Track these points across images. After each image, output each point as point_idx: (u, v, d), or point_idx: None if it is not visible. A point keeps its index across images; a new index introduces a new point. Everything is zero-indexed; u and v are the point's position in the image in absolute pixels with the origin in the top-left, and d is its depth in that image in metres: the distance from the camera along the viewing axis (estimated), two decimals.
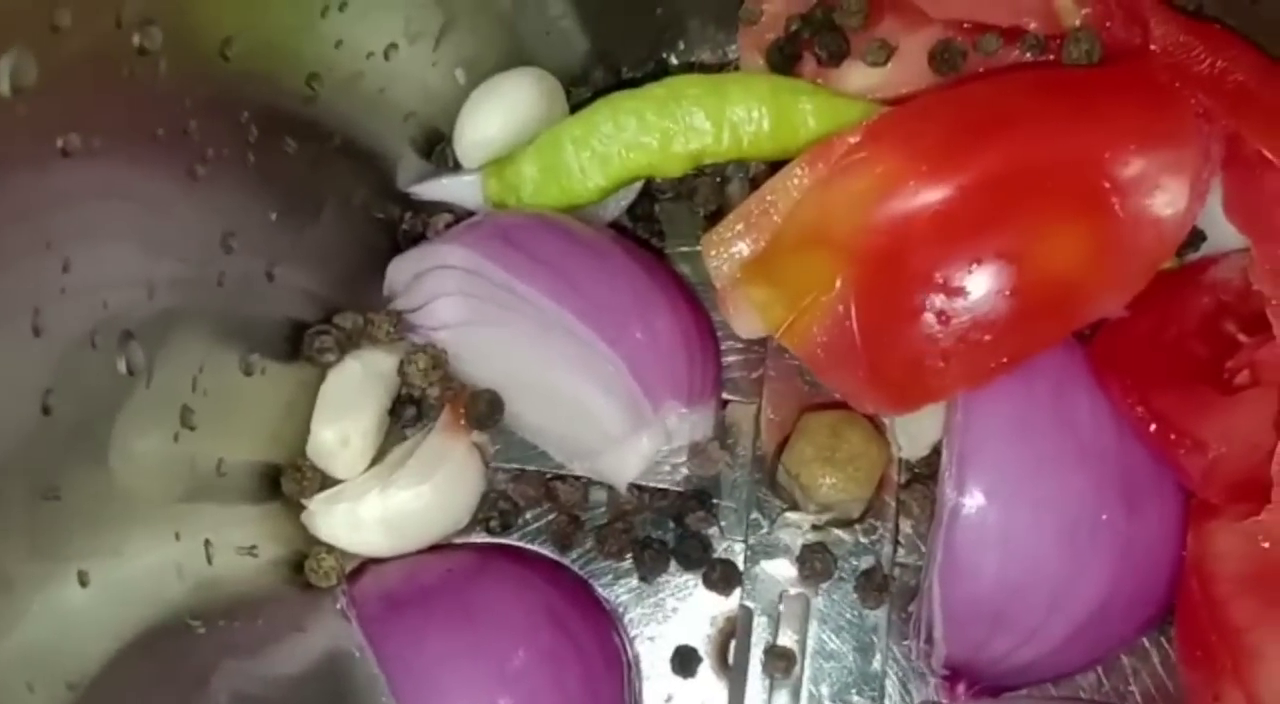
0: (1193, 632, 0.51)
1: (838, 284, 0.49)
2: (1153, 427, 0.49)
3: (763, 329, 0.53)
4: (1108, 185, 0.48)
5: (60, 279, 0.38)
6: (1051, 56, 0.55)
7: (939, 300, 0.48)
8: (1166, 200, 0.49)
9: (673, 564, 0.58)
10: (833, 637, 0.56)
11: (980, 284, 0.48)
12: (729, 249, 0.53)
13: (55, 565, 0.38)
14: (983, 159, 0.49)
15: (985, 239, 0.48)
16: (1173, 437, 0.48)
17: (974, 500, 0.50)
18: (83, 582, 0.39)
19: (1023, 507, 0.50)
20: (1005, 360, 0.49)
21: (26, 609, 0.36)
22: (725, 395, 0.58)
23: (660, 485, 0.57)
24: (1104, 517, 0.50)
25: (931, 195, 0.49)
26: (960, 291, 0.48)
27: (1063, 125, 0.50)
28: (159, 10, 0.40)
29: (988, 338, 0.48)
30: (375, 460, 0.57)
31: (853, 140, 0.51)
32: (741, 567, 0.57)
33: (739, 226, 0.53)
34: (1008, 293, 0.48)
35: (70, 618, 0.38)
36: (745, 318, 0.53)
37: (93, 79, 0.39)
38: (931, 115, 0.51)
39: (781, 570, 0.56)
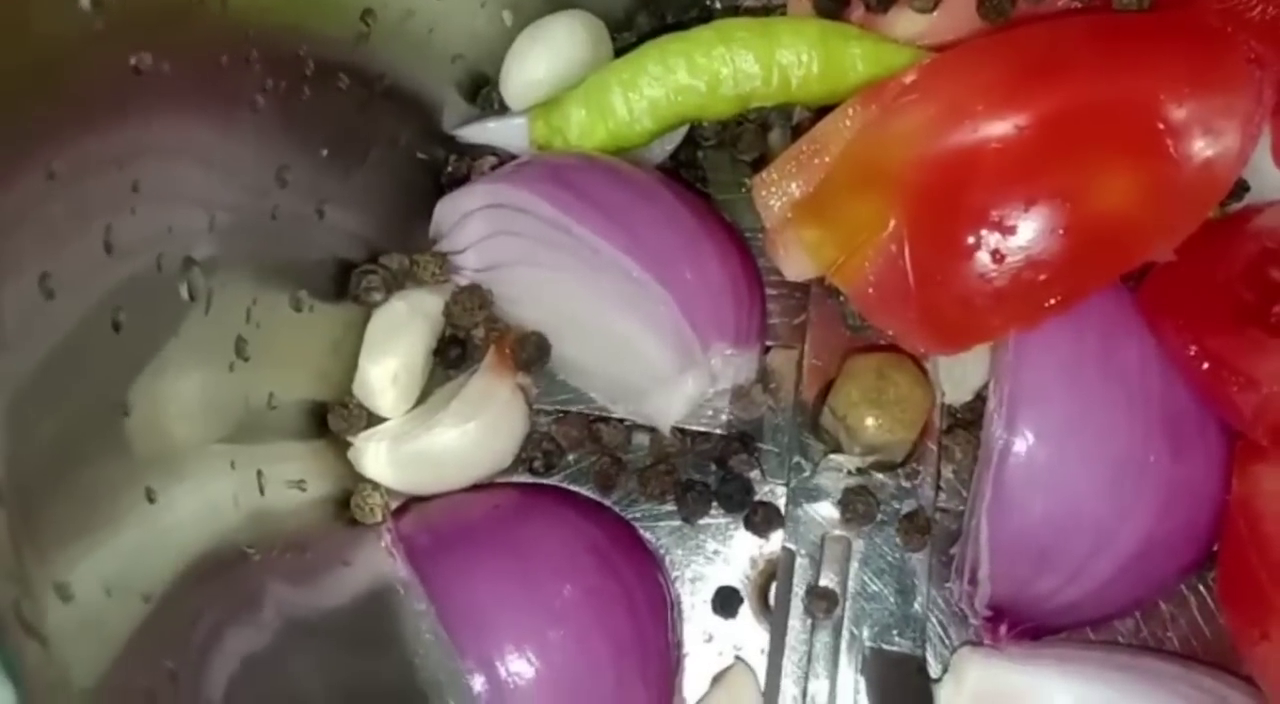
0: (1238, 572, 0.51)
1: (891, 223, 0.50)
2: (1205, 365, 0.49)
3: (813, 269, 0.53)
4: (1161, 127, 0.49)
5: (130, 198, 0.38)
6: (1099, 2, 0.55)
7: (993, 239, 0.49)
8: (1218, 143, 0.49)
9: (714, 506, 0.58)
10: (874, 579, 0.56)
11: (1035, 223, 0.48)
12: (780, 189, 0.53)
13: (126, 479, 0.38)
14: (1038, 99, 0.49)
15: (1040, 178, 0.48)
16: (1226, 375, 0.49)
17: (1024, 440, 0.50)
18: (150, 498, 0.39)
19: (1071, 447, 0.50)
20: (1058, 300, 0.49)
21: (103, 517, 0.36)
22: (768, 341, 0.59)
23: (703, 429, 0.58)
24: (1151, 458, 0.50)
25: (986, 134, 0.49)
26: (1014, 230, 0.48)
27: (1117, 68, 0.50)
28: None
29: (1041, 277, 0.49)
30: (420, 400, 0.57)
31: (907, 80, 0.51)
32: (783, 509, 0.57)
33: (790, 167, 0.53)
34: (1061, 232, 0.48)
35: (142, 532, 0.38)
36: (796, 258, 0.53)
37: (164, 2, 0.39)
38: (987, 57, 0.51)
39: (824, 513, 0.57)
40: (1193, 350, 0.50)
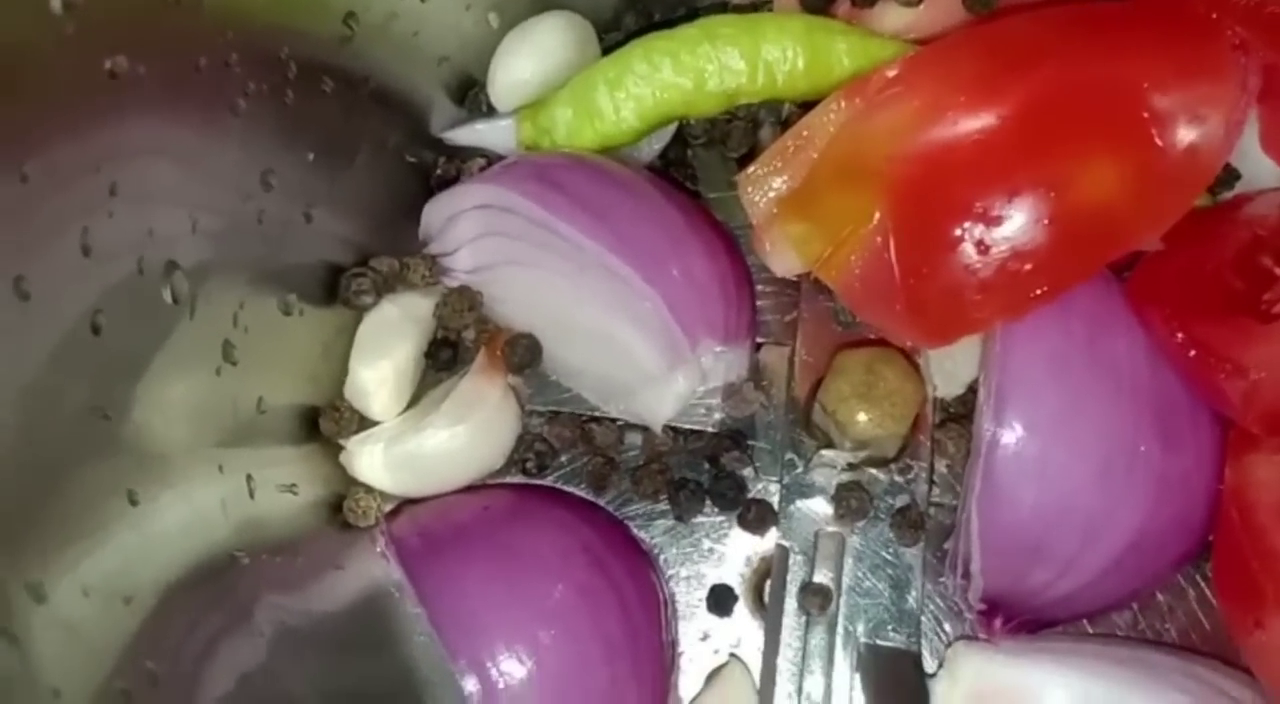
0: (1232, 562, 0.51)
1: (876, 216, 0.49)
2: (1193, 353, 0.49)
3: (800, 265, 0.53)
4: (1145, 115, 0.48)
5: (108, 202, 0.38)
6: None
7: (978, 230, 0.48)
8: (1203, 131, 0.49)
9: (708, 504, 0.58)
10: (868, 574, 0.56)
11: (1019, 213, 0.48)
12: (766, 185, 0.53)
13: (106, 482, 0.38)
14: (1021, 89, 0.49)
15: (1024, 168, 0.48)
16: (1213, 362, 0.48)
17: (1012, 432, 0.50)
18: (132, 500, 0.39)
19: (1060, 439, 0.50)
20: (1044, 291, 0.49)
21: (80, 519, 0.36)
22: (759, 338, 0.59)
23: (695, 427, 0.57)
24: (1141, 448, 0.50)
25: (970, 125, 0.49)
26: (999, 221, 0.48)
27: (1101, 57, 0.49)
28: None
29: (1027, 268, 0.48)
30: (412, 402, 0.57)
31: (890, 74, 0.51)
32: (777, 506, 0.57)
33: (775, 163, 0.53)
34: (1046, 222, 0.48)
35: (123, 535, 0.38)
36: (782, 254, 0.53)
37: (140, 5, 0.39)
38: (969, 49, 0.51)
39: (817, 509, 0.56)
40: (1180, 338, 0.49)
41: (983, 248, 0.49)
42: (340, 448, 0.55)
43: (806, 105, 0.57)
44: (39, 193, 0.35)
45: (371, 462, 0.55)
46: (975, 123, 0.48)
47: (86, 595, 0.35)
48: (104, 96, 0.38)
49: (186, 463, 0.45)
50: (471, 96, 0.61)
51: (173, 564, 0.42)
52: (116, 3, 0.37)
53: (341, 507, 0.55)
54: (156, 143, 0.41)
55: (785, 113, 0.59)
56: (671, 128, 0.60)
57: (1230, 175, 0.56)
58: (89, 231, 0.37)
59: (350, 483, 0.56)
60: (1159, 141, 0.48)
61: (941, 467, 0.57)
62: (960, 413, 0.57)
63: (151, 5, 0.39)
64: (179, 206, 0.43)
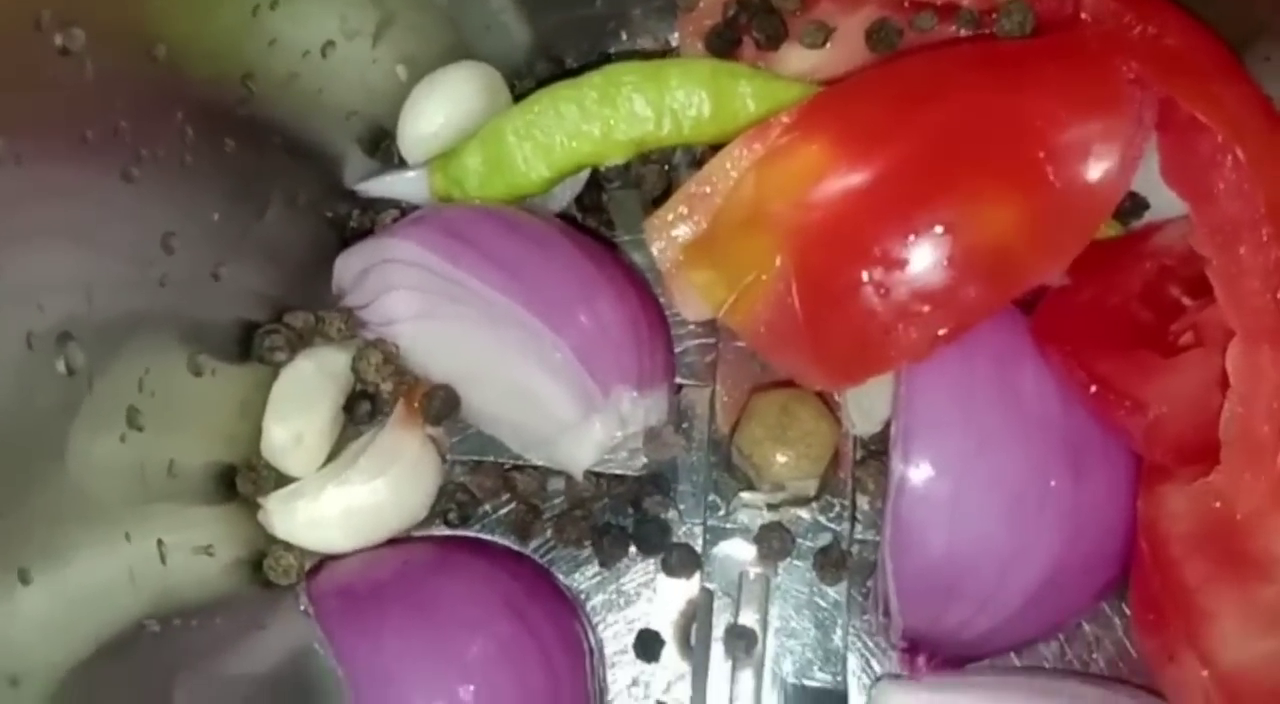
0: (1146, 595, 0.51)
1: (777, 262, 0.50)
2: (1094, 389, 0.49)
3: (707, 311, 0.53)
4: (1042, 155, 0.49)
5: None
6: (987, 31, 0.55)
7: (877, 273, 0.48)
8: (1100, 167, 0.49)
9: (632, 549, 0.58)
10: (794, 615, 0.56)
11: (917, 256, 0.48)
12: (671, 232, 0.53)
13: None
14: (914, 133, 0.49)
15: (920, 211, 0.48)
16: (1113, 398, 0.49)
17: (920, 472, 0.50)
18: (24, 579, 0.39)
19: (969, 477, 0.50)
20: (946, 331, 0.49)
21: None
22: (680, 379, 0.59)
23: (617, 471, 0.57)
24: (1051, 483, 0.50)
25: (864, 171, 0.49)
26: (898, 264, 0.48)
27: (996, 96, 0.50)
28: (79, 11, 0.40)
29: (927, 308, 0.48)
30: (331, 457, 0.57)
31: (786, 120, 0.51)
32: (700, 549, 0.57)
33: (681, 209, 0.53)
34: (945, 263, 0.48)
35: (12, 615, 0.38)
36: (690, 300, 0.53)
37: (15, 81, 0.39)
38: (863, 93, 0.51)
39: (740, 551, 0.57)
40: (1079, 374, 0.49)
41: (884, 290, 0.49)
42: (258, 506, 0.55)
43: (719, 149, 0.57)
44: None
45: (291, 519, 0.55)
46: (869, 169, 0.49)
47: None
48: None
49: (88, 535, 0.44)
50: (383, 148, 0.61)
51: (74, 639, 0.42)
52: None
53: (261, 565, 0.55)
54: (43, 219, 0.41)
55: (699, 154, 0.59)
56: (585, 174, 0.60)
57: (1138, 204, 0.56)
58: None
59: (270, 541, 0.55)
60: (1054, 179, 0.48)
61: (864, 504, 0.57)
62: (879, 449, 0.57)
63: (27, 82, 0.39)
64: (71, 279, 0.43)
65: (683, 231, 0.53)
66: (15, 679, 0.37)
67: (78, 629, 0.42)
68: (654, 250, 0.54)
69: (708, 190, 0.53)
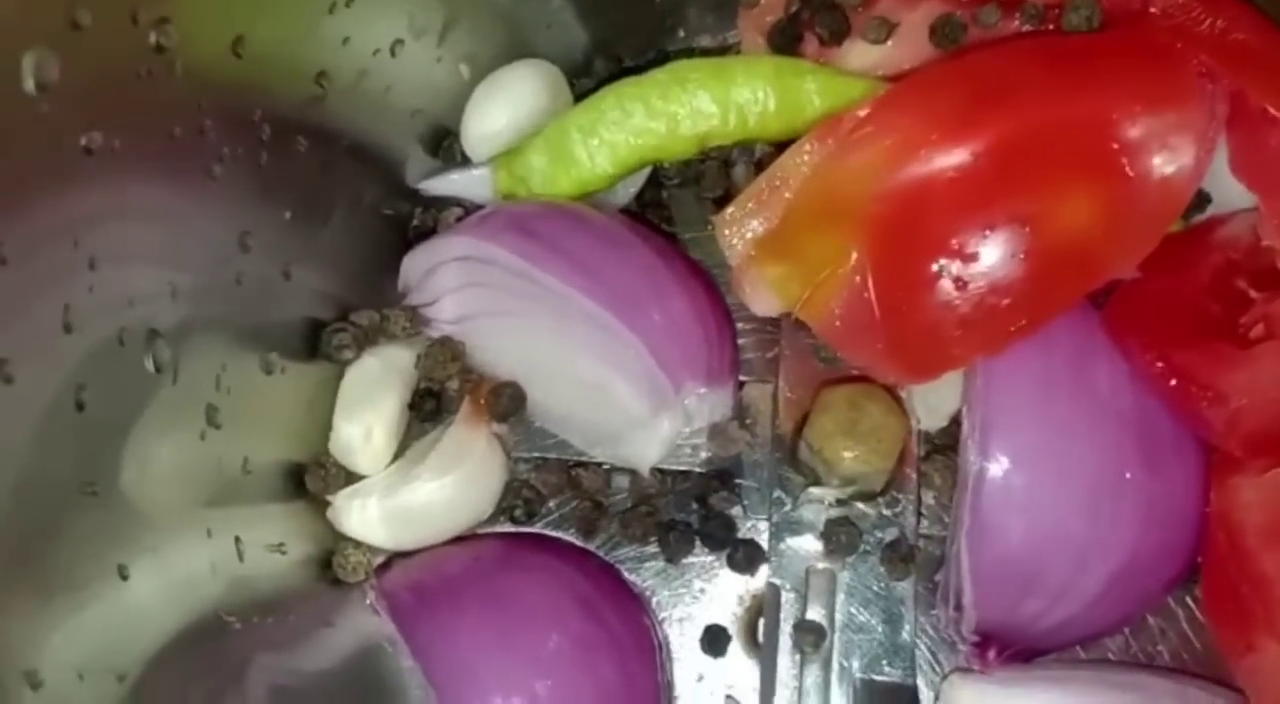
0: (1221, 586, 0.51)
1: (853, 256, 0.50)
2: (1174, 382, 0.49)
3: (779, 306, 0.53)
4: (1116, 147, 0.49)
5: (88, 277, 0.38)
6: (1050, 25, 0.55)
7: (954, 267, 0.49)
8: (1174, 159, 0.49)
9: (698, 545, 0.58)
10: (861, 610, 0.56)
11: (995, 249, 0.48)
12: (742, 227, 0.53)
13: (96, 558, 0.38)
14: (992, 126, 0.49)
15: (998, 204, 0.48)
16: (1194, 390, 0.49)
17: (999, 465, 0.50)
18: (123, 575, 0.39)
19: (1046, 469, 0.50)
20: (1023, 324, 0.49)
21: (73, 600, 0.36)
22: (742, 376, 0.59)
23: (682, 468, 0.58)
24: (1127, 475, 0.50)
25: (943, 163, 0.49)
26: (975, 257, 0.49)
27: (1070, 90, 0.50)
28: (172, 8, 0.40)
29: (1004, 302, 0.49)
30: (398, 455, 0.57)
31: (862, 114, 0.51)
32: (766, 545, 0.57)
33: (751, 205, 0.53)
34: (1022, 256, 0.48)
35: (114, 611, 0.38)
36: (761, 295, 0.54)
37: (113, 77, 0.39)
38: (939, 86, 0.51)
39: (807, 546, 0.57)
40: (1159, 367, 0.50)
41: (961, 284, 0.49)
42: (327, 504, 0.55)
43: (781, 144, 0.57)
44: (18, 273, 0.35)
45: (359, 516, 0.55)
46: (948, 160, 0.49)
47: (82, 678, 0.35)
48: (81, 172, 0.37)
49: (174, 530, 0.45)
50: (446, 147, 0.61)
51: (164, 633, 0.42)
52: (90, 79, 0.37)
53: (331, 563, 0.55)
54: (133, 211, 0.41)
55: (758, 153, 0.59)
56: (646, 171, 0.60)
57: (1201, 199, 0.56)
58: (70, 308, 0.37)
59: (339, 538, 0.56)
60: (1130, 172, 0.49)
61: (929, 499, 0.57)
62: (945, 444, 0.57)
63: (124, 80, 0.39)
64: (158, 274, 0.43)
65: (754, 226, 0.53)
66: (122, 676, 0.37)
67: (168, 622, 0.42)
68: (724, 246, 0.54)
69: (779, 185, 0.53)
